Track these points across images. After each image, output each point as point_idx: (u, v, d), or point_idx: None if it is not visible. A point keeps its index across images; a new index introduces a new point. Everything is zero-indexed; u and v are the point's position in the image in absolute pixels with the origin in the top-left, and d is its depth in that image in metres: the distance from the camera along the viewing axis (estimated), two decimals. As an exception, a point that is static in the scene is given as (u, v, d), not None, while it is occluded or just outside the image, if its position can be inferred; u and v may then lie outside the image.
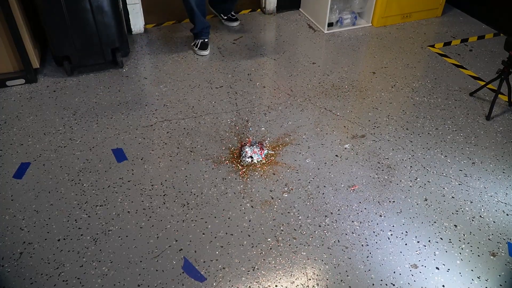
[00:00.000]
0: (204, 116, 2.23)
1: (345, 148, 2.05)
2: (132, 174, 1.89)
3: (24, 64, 2.39)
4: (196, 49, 2.74)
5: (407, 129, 2.19)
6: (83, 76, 2.52)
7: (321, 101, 2.36)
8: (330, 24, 3.05)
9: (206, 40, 2.75)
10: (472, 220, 1.72)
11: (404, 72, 2.63)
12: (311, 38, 2.97)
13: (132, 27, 2.93)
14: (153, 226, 1.66)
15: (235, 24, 3.09)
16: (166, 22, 3.11)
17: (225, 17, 3.09)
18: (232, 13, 3.10)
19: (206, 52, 2.75)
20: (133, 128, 2.14)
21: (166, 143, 2.05)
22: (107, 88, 2.42)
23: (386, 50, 2.85)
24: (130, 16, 2.87)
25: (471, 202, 1.79)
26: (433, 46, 2.91)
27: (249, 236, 1.62)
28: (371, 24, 3.14)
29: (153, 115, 2.23)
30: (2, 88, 2.40)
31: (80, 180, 1.85)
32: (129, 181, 1.85)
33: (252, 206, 1.74)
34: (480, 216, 1.73)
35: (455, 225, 1.69)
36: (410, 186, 1.86)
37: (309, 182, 1.86)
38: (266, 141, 2.07)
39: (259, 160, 1.95)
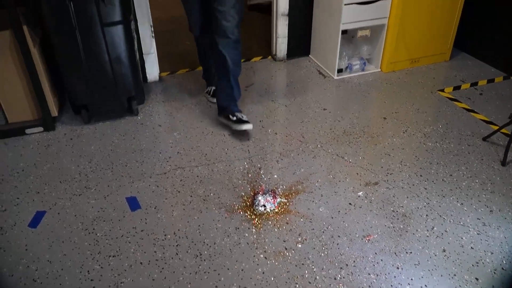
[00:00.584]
0: (217, 163, 2.25)
1: (359, 196, 2.04)
2: (146, 223, 1.89)
3: (43, 113, 2.47)
4: (209, 96, 2.80)
5: (421, 175, 2.17)
6: (100, 124, 2.58)
7: (333, 147, 2.38)
8: (340, 70, 3.11)
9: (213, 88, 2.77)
10: (494, 273, 1.67)
11: (415, 117, 2.64)
12: (321, 84, 3.03)
13: (147, 75, 3.02)
14: (165, 278, 1.64)
15: (248, 126, 2.41)
16: (180, 70, 3.21)
17: (234, 118, 2.43)
18: (242, 114, 2.50)
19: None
20: (147, 176, 2.16)
21: (179, 191, 2.06)
22: (122, 135, 2.47)
23: (396, 95, 2.88)
24: (145, 65, 2.97)
25: (492, 253, 1.75)
26: (443, 90, 2.94)
27: (263, 289, 1.59)
28: (380, 70, 3.19)
29: (167, 163, 2.25)
30: (21, 136, 2.47)
31: (94, 229, 1.86)
32: (142, 231, 1.85)
33: (265, 258, 1.72)
34: (502, 269, 1.68)
35: (476, 278, 1.64)
36: (427, 236, 1.82)
37: (323, 232, 1.84)
38: (279, 189, 2.07)
39: (272, 208, 1.95)
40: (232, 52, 2.32)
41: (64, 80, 2.48)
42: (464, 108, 2.74)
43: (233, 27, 2.25)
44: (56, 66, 2.50)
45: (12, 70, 2.34)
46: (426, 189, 2.09)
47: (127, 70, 2.49)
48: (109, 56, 2.39)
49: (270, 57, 3.41)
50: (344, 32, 3.00)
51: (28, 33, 2.25)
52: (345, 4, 2.81)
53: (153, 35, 2.89)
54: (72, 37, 2.27)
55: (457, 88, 2.98)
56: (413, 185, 2.11)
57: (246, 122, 2.40)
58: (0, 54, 2.28)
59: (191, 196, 2.04)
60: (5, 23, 2.26)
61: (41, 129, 2.51)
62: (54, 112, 2.53)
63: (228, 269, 1.67)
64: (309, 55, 3.41)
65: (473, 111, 2.71)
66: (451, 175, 2.18)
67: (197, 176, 2.16)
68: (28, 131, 2.49)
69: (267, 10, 3.67)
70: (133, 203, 2.00)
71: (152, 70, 3.03)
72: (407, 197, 2.03)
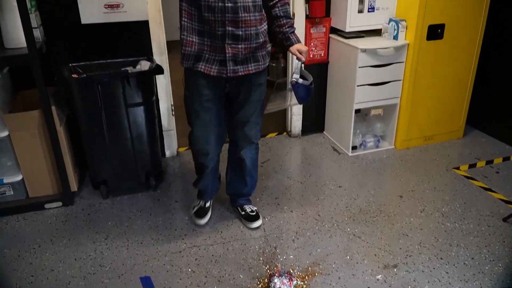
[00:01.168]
0: (233, 242, 2.23)
1: (377, 280, 1.98)
2: (159, 305, 1.85)
3: (63, 188, 2.53)
4: (192, 212, 2.42)
5: (441, 258, 2.11)
6: (118, 199, 2.62)
7: (349, 226, 2.35)
8: (354, 147, 3.16)
9: (207, 204, 2.42)
10: None
11: (432, 196, 2.63)
12: (336, 161, 3.07)
13: (165, 150, 3.11)
14: None
15: (255, 225, 2.34)
16: (197, 145, 3.29)
17: (242, 213, 2.40)
18: (250, 206, 2.43)
19: (202, 222, 2.36)
20: (162, 254, 2.15)
21: (194, 271, 2.03)
22: (139, 211, 2.50)
23: (411, 173, 2.89)
24: (164, 140, 3.07)
25: None
26: (458, 168, 2.95)
27: None
28: (394, 147, 3.24)
29: (182, 241, 2.25)
30: (40, 211, 2.51)
31: (106, 311, 1.82)
32: (155, 314, 1.80)
33: None
34: None
35: None
36: (452, 326, 1.73)
37: (342, 319, 1.77)
38: (295, 270, 2.03)
39: (288, 292, 1.89)
40: (252, 155, 2.25)
41: (87, 156, 2.57)
42: (481, 186, 2.73)
43: (257, 131, 2.18)
44: (79, 142, 2.60)
45: (38, 147, 2.44)
46: (447, 273, 2.02)
47: (147, 147, 2.57)
48: (131, 134, 2.49)
49: (285, 133, 3.50)
50: (358, 111, 3.10)
51: (55, 113, 2.38)
52: (357, 86, 2.93)
53: (173, 113, 3.02)
54: (98, 116, 2.39)
55: (472, 166, 2.98)
56: (434, 268, 2.05)
57: (255, 218, 2.34)
58: (28, 131, 2.39)
59: (206, 276, 2.00)
60: (35, 102, 2.41)
61: (60, 204, 2.55)
62: (74, 187, 2.59)
63: None
64: (324, 132, 3.50)
65: (490, 190, 2.69)
66: (472, 258, 2.11)
67: (212, 255, 2.14)
68: (47, 205, 2.54)
69: (281, 87, 3.83)
70: (147, 284, 1.97)
71: (171, 146, 3.12)
72: (428, 282, 1.96)
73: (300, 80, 2.01)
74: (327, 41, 3.14)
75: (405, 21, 2.89)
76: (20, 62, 2.25)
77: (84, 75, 2.34)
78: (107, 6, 2.48)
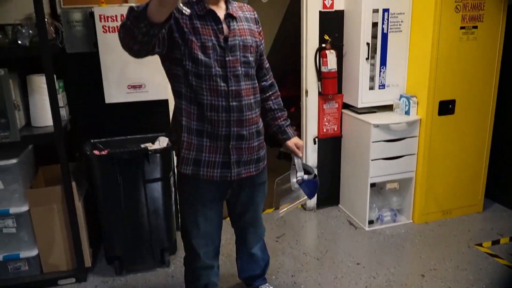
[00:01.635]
0: (248, 324, 2.14)
1: None
2: None
3: (77, 264, 2.51)
4: None
5: None
6: (131, 275, 2.57)
7: (370, 308, 2.25)
8: (371, 222, 3.11)
9: None
10: None
11: (455, 275, 2.52)
12: (353, 236, 3.00)
13: (180, 224, 3.09)
14: None
15: None
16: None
17: None
18: (267, 285, 2.31)
19: None
20: (175, 337, 2.06)
21: None
22: (152, 289, 2.44)
23: (431, 249, 2.80)
24: (179, 214, 3.07)
25: None
26: (480, 244, 2.85)
27: None
28: (412, 221, 3.17)
29: (196, 322, 2.16)
30: (53, 287, 2.47)
31: None
32: None
33: None
34: None
35: None
36: None
37: None
38: None
39: None
40: (261, 245, 2.17)
41: (103, 232, 2.57)
42: (506, 265, 2.61)
43: (263, 226, 2.13)
44: (95, 217, 2.62)
45: (56, 222, 2.46)
46: None
47: (162, 223, 2.57)
48: (148, 210, 2.51)
49: (300, 206, 3.48)
50: (373, 184, 3.09)
51: (75, 189, 2.43)
52: (372, 160, 2.95)
53: (189, 186, 3.05)
54: (116, 192, 2.43)
55: (496, 242, 2.88)
56: None
57: None
58: (48, 207, 2.43)
59: None
60: (56, 177, 2.47)
61: (73, 280, 2.52)
62: (88, 263, 2.57)
63: None
64: (339, 205, 3.46)
65: (516, 268, 2.58)
66: None
67: None
68: (60, 282, 2.50)
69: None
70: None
71: (186, 219, 3.11)
72: None
73: (305, 177, 1.94)
74: (340, 116, 3.23)
75: (416, 97, 2.97)
76: (46, 140, 2.34)
77: (105, 153, 2.42)
78: (130, 86, 2.62)
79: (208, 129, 1.70)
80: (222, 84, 1.66)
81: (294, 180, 1.94)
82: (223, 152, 1.73)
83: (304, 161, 3.34)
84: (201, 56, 1.63)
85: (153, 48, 1.51)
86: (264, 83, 1.94)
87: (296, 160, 1.97)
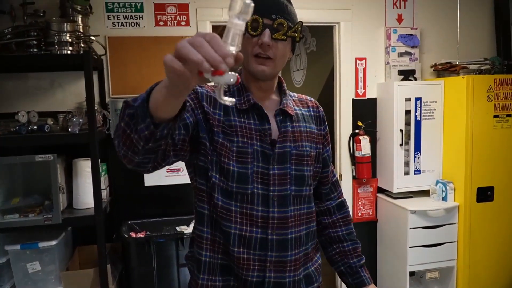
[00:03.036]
0: None
1: None
2: None
3: None
4: None
5: None
6: None
7: None
8: (412, 314, 2.93)
9: None
10: None
11: None
12: (393, 329, 2.82)
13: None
14: None
15: None
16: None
17: None
18: None
19: None
20: None
21: None
22: None
23: None
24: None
25: None
26: None
27: None
28: (456, 314, 2.97)
29: None
30: None
31: None
32: None
33: None
34: None
35: None
36: None
37: None
38: None
39: None
40: None
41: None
42: None
43: None
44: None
45: (88, 306, 2.43)
46: None
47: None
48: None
49: (334, 292, 3.33)
50: (412, 273, 2.95)
51: (110, 272, 2.42)
52: (410, 247, 2.85)
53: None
54: (150, 275, 2.42)
55: None
56: None
57: None
58: (81, 289, 2.42)
59: None
60: (92, 258, 2.48)
61: None
62: None
63: None
64: (375, 293, 3.30)
65: None
66: None
67: None
68: None
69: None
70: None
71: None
72: None
73: None
74: (375, 200, 3.19)
75: (453, 183, 2.93)
76: (87, 222, 2.39)
77: (142, 235, 2.44)
78: (169, 170, 2.70)
79: (235, 269, 1.20)
80: (260, 208, 1.18)
81: None
82: None
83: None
84: (234, 166, 1.17)
85: (165, 157, 1.04)
86: (330, 202, 1.41)
87: None
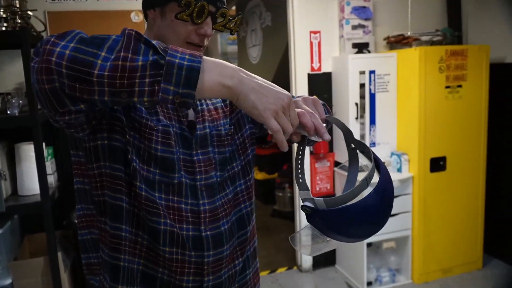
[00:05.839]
0: None
1: None
2: None
3: None
4: None
5: None
6: None
7: None
8: (369, 283, 3.00)
9: None
10: None
11: None
12: (352, 299, 2.89)
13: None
14: None
15: None
16: None
17: None
18: None
19: None
20: None
21: None
22: None
23: (434, 312, 2.69)
24: None
25: None
26: (484, 306, 2.75)
27: None
28: (411, 281, 3.07)
29: None
30: None
31: None
32: None
33: None
34: None
35: None
36: None
37: None
38: None
39: None
40: None
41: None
42: (512, 328, 2.51)
43: None
44: (83, 287, 2.50)
45: (40, 296, 2.34)
46: None
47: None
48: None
49: (295, 267, 3.37)
50: (369, 244, 3.02)
51: (61, 259, 2.33)
52: (366, 219, 2.89)
53: None
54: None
55: (499, 303, 2.79)
56: None
57: None
58: (32, 279, 2.32)
59: None
60: (41, 247, 2.38)
61: None
62: None
63: None
64: (336, 265, 3.36)
65: (523, 332, 2.47)
66: None
67: None
68: None
69: (289, 217, 3.80)
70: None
71: None
72: None
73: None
74: (332, 174, 3.21)
75: (407, 154, 2.98)
76: (33, 210, 2.28)
77: (93, 220, 2.35)
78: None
79: (160, 276, 1.01)
80: (190, 201, 1.01)
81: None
82: None
83: (298, 215, 3.28)
84: (156, 150, 0.97)
85: (87, 118, 0.93)
86: None
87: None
